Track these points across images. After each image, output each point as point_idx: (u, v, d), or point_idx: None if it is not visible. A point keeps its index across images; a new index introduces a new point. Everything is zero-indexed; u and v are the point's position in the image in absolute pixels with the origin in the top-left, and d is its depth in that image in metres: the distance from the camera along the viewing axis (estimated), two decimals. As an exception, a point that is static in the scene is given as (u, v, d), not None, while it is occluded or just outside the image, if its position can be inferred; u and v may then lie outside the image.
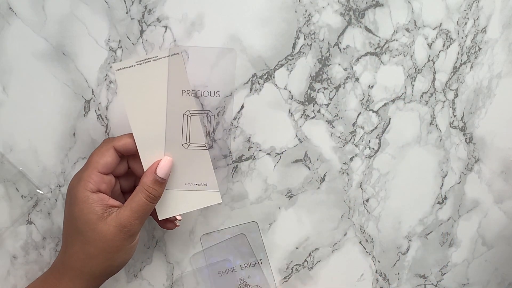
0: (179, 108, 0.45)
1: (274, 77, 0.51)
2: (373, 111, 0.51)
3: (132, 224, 0.44)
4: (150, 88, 0.44)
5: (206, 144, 0.46)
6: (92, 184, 0.44)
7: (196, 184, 0.47)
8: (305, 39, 0.50)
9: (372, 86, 0.51)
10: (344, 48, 0.50)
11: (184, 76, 0.44)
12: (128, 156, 0.47)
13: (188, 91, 0.45)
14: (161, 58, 0.43)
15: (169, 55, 0.43)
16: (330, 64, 0.50)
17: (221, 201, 0.48)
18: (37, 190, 0.54)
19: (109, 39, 0.51)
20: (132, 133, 0.46)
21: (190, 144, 0.46)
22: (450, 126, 0.51)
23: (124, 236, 0.44)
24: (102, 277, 0.45)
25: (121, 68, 0.43)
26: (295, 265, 0.55)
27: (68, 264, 0.45)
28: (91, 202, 0.43)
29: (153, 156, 0.46)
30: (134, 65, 0.43)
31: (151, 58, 0.43)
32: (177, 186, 0.47)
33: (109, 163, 0.45)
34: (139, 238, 0.47)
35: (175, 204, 0.47)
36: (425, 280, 0.56)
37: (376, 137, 0.52)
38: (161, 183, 0.45)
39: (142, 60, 0.43)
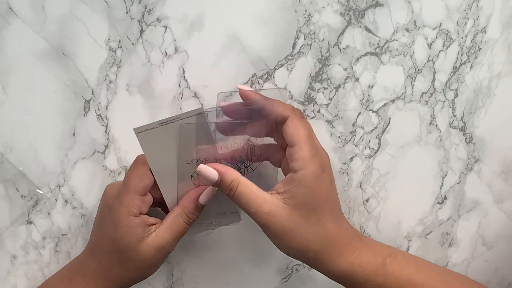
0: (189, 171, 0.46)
1: (274, 77, 0.51)
2: (373, 111, 0.51)
3: (171, 245, 0.46)
4: (172, 149, 0.44)
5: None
6: (135, 209, 0.45)
7: (229, 213, 0.49)
8: (305, 39, 0.50)
9: (372, 86, 0.51)
10: (344, 48, 0.50)
11: (193, 145, 0.43)
12: None
13: (194, 160, 0.45)
14: (183, 118, 0.42)
15: (192, 116, 0.41)
16: (330, 64, 0.50)
17: (241, 219, 0.50)
18: (37, 190, 0.54)
19: (109, 39, 0.51)
20: None
21: None
22: (450, 126, 0.51)
23: (162, 255, 0.46)
24: (133, 282, 0.48)
25: (142, 131, 0.42)
26: (295, 265, 0.55)
27: (102, 273, 0.47)
28: (134, 226, 0.44)
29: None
30: (156, 127, 0.42)
31: (174, 119, 0.41)
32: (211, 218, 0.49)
33: (148, 186, 0.45)
34: None
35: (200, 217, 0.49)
36: (425, 280, 0.56)
37: (376, 137, 0.52)
38: (201, 209, 0.46)
39: (165, 122, 0.41)
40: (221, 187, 0.43)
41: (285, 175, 0.44)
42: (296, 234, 0.42)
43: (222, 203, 0.48)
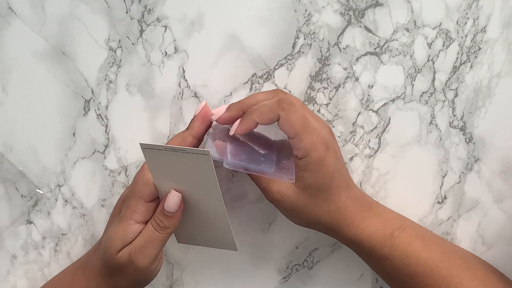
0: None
1: (274, 76, 0.51)
2: (373, 111, 0.51)
3: (138, 253, 0.44)
4: (176, 173, 0.43)
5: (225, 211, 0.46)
6: (138, 215, 0.45)
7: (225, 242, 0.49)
8: (305, 39, 0.50)
9: (372, 86, 0.51)
10: (344, 48, 0.50)
11: (212, 179, 0.43)
12: None
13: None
14: (189, 153, 0.41)
15: (198, 154, 0.41)
16: (330, 64, 0.50)
17: (237, 250, 0.50)
18: (37, 190, 0.54)
19: (108, 39, 0.51)
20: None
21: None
22: (450, 125, 0.51)
23: (131, 265, 0.44)
24: None
25: (148, 148, 0.42)
26: (295, 265, 0.55)
27: (98, 270, 0.47)
28: (128, 232, 0.44)
29: None
30: (162, 150, 0.41)
31: (180, 150, 0.41)
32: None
33: (153, 192, 0.45)
34: (158, 269, 0.48)
35: (195, 236, 0.49)
36: (425, 280, 0.56)
37: (376, 137, 0.52)
38: (169, 216, 0.45)
39: (171, 149, 0.41)
40: None
41: None
42: (306, 211, 0.45)
43: (218, 233, 0.48)
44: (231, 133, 0.45)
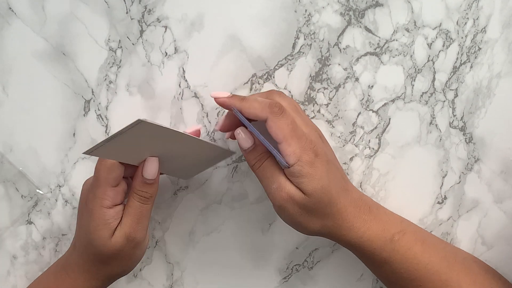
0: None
1: (274, 77, 0.51)
2: (373, 111, 0.51)
3: (135, 231, 0.45)
4: (135, 150, 0.43)
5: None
6: (109, 201, 0.44)
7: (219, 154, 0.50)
8: (305, 39, 0.50)
9: (372, 86, 0.51)
10: (344, 48, 0.50)
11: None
12: None
13: None
14: (126, 132, 0.40)
15: (134, 127, 0.39)
16: (330, 64, 0.50)
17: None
18: (37, 190, 0.54)
19: (109, 39, 0.51)
20: None
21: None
22: (450, 126, 0.51)
23: (132, 245, 0.45)
24: (117, 276, 0.48)
25: (93, 150, 0.40)
26: (295, 265, 0.55)
27: (83, 267, 0.47)
28: (107, 219, 0.44)
29: None
30: (104, 145, 0.40)
31: (117, 135, 0.39)
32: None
33: (119, 175, 0.45)
34: (148, 237, 0.49)
35: (192, 169, 0.50)
36: (425, 280, 0.56)
37: (376, 137, 0.52)
38: (151, 184, 0.45)
39: (110, 139, 0.40)
40: (251, 155, 0.44)
41: None
42: (312, 216, 0.44)
43: (207, 153, 0.48)
44: (216, 94, 0.45)
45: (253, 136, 0.44)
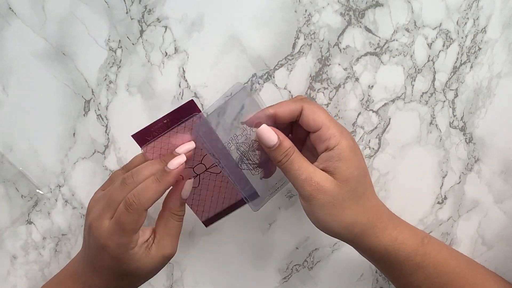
0: None
1: (274, 77, 0.51)
2: (373, 111, 0.51)
3: (175, 249, 0.46)
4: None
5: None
6: (133, 244, 0.43)
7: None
8: (305, 39, 0.50)
9: (372, 86, 0.51)
10: (344, 48, 0.50)
11: None
12: None
13: None
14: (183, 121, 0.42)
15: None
16: (330, 64, 0.50)
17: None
18: (37, 190, 0.54)
19: (109, 39, 0.51)
20: None
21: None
22: (450, 126, 0.51)
23: (167, 261, 0.46)
24: None
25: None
26: (295, 265, 0.55)
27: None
28: (137, 256, 0.44)
29: None
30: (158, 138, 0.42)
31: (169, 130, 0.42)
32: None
33: (143, 221, 0.43)
34: None
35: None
36: (425, 280, 0.56)
37: (376, 137, 0.52)
38: (185, 203, 0.46)
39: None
40: (276, 152, 0.42)
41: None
42: (345, 208, 0.42)
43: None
44: (245, 119, 0.43)
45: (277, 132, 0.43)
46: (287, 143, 0.42)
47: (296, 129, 0.46)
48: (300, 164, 0.42)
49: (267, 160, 0.46)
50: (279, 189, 0.48)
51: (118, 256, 0.43)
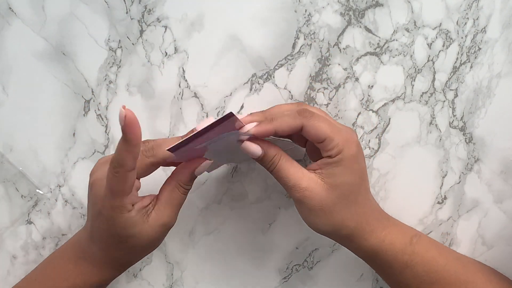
0: None
1: (274, 77, 0.51)
2: (373, 111, 0.51)
3: (174, 219, 0.45)
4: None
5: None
6: (128, 206, 0.43)
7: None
8: (305, 39, 0.50)
9: (372, 86, 0.51)
10: (344, 48, 0.50)
11: None
12: None
13: None
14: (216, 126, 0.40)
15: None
16: (330, 64, 0.50)
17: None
18: (37, 190, 0.54)
19: (109, 39, 0.51)
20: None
21: None
22: (450, 126, 0.51)
23: (166, 231, 0.46)
24: (136, 261, 0.48)
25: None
26: (295, 265, 0.55)
27: (108, 261, 0.46)
28: (131, 219, 0.43)
29: None
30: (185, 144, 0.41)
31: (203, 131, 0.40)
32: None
33: (133, 183, 0.43)
34: None
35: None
36: (425, 280, 0.56)
37: (376, 137, 0.52)
38: (194, 179, 0.46)
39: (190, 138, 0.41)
40: (263, 161, 0.44)
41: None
42: (333, 211, 0.43)
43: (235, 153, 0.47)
44: (244, 130, 0.43)
45: (261, 142, 0.44)
46: (272, 151, 0.44)
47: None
48: (286, 171, 0.43)
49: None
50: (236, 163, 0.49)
51: (112, 218, 0.43)
